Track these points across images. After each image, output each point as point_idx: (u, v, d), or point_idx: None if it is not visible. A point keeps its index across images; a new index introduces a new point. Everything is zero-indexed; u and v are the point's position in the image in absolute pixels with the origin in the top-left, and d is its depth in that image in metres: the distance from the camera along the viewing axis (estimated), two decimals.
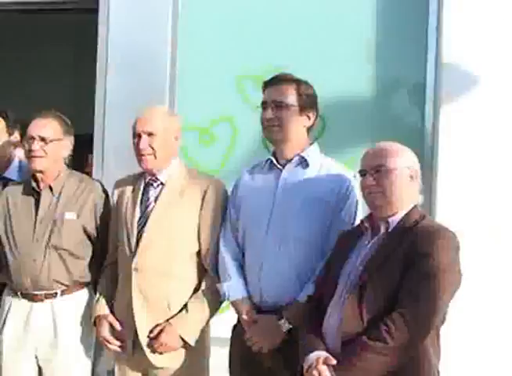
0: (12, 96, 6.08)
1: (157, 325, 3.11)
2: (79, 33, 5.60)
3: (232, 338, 3.14)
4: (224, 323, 3.26)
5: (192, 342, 3.12)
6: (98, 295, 3.26)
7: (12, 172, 3.86)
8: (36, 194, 3.37)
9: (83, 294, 3.37)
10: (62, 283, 3.31)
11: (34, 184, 3.37)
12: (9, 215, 3.40)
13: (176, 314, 3.12)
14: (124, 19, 4.39)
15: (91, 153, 4.54)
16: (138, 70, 4.35)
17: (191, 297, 3.14)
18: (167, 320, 3.11)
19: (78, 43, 5.71)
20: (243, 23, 4.40)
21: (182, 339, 3.10)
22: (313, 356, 2.57)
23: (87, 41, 4.66)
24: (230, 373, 3.14)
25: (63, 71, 7.10)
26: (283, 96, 3.01)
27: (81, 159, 3.65)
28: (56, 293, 3.31)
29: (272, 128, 3.02)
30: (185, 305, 3.12)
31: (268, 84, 3.09)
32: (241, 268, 3.06)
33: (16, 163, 3.89)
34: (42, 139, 3.30)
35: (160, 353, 3.11)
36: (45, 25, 6.20)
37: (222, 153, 4.37)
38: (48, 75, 7.15)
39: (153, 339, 3.10)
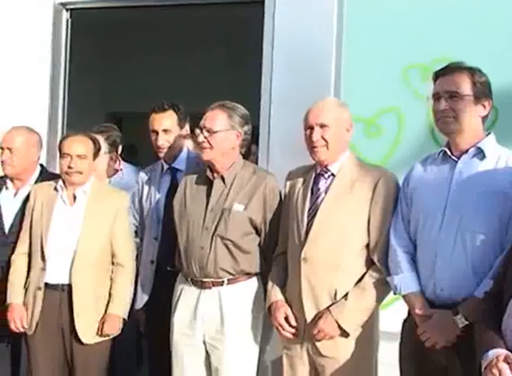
0: (182, 90, 6.31)
1: (319, 313, 3.14)
2: (240, 27, 5.70)
3: (402, 332, 3.09)
4: (393, 316, 3.22)
5: (350, 331, 3.11)
6: (271, 283, 3.31)
7: (180, 163, 4.00)
8: (210, 183, 3.47)
9: (250, 284, 3.42)
10: (228, 272, 3.37)
11: (209, 173, 3.47)
12: (184, 202, 3.52)
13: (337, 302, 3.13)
14: (289, 13, 4.42)
15: (253, 143, 4.62)
16: (304, 62, 4.36)
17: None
18: (327, 308, 3.13)
19: (243, 36, 5.81)
20: (410, 13, 4.29)
21: (340, 327, 3.10)
22: (492, 353, 2.48)
23: (250, 34, 4.73)
24: (400, 369, 3.09)
25: (227, 65, 7.28)
26: (456, 86, 2.92)
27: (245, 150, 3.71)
28: (223, 281, 3.38)
29: (447, 119, 2.93)
30: (347, 294, 3.12)
31: (439, 75, 3.00)
32: (413, 261, 3.00)
33: (184, 154, 4.03)
34: (208, 131, 3.41)
35: (319, 340, 3.12)
36: (208, 20, 6.35)
37: (388, 144, 4.29)
38: (212, 69, 7.35)
39: (313, 326, 3.13)
